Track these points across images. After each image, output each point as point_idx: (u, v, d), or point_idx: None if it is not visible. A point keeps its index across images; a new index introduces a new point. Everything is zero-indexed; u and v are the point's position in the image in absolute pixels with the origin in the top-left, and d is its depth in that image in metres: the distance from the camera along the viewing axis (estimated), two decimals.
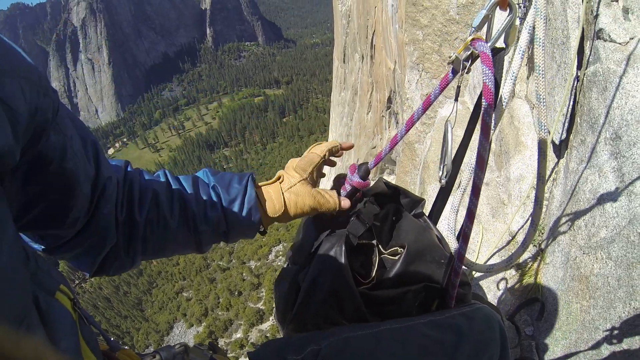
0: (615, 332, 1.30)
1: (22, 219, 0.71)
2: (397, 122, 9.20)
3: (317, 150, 1.16)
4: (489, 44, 0.92)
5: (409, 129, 1.12)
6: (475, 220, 0.99)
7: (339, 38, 20.46)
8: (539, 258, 1.99)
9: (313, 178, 1.15)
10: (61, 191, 0.73)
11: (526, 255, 2.08)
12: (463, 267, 1.14)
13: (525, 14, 1.32)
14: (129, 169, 0.96)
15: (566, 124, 1.83)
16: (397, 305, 1.13)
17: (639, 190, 1.27)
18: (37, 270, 0.63)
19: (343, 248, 1.09)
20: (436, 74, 4.69)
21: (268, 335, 48.61)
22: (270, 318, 52.16)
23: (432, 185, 3.67)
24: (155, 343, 57.91)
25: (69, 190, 0.74)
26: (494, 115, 0.95)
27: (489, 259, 2.41)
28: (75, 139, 0.75)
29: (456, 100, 0.93)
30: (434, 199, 1.41)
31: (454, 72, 0.98)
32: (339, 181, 1.23)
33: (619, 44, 1.44)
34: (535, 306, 1.88)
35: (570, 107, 1.78)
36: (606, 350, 1.35)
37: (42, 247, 0.82)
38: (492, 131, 0.91)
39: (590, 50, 1.57)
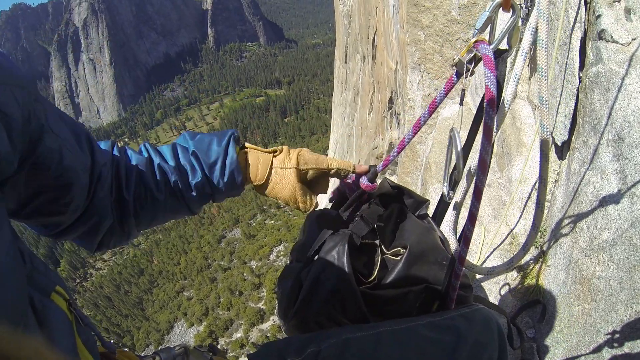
0: (617, 335, 1.30)
1: (23, 209, 0.74)
2: (398, 123, 9.19)
3: (330, 160, 1.17)
4: (491, 46, 0.91)
5: (416, 132, 1.13)
6: (477, 222, 0.99)
7: (341, 38, 20.48)
8: (541, 260, 1.98)
9: (306, 176, 1.16)
10: (61, 186, 0.75)
11: (528, 257, 2.08)
12: (464, 269, 1.14)
13: (528, 15, 1.32)
14: (114, 151, 0.98)
15: (568, 126, 1.82)
16: (398, 305, 1.13)
17: None
18: (33, 272, 0.64)
19: (346, 247, 1.10)
20: (438, 74, 4.68)
21: (268, 335, 48.67)
22: (271, 318, 52.23)
23: (433, 186, 3.66)
24: (156, 342, 57.97)
25: (68, 185, 0.76)
26: (496, 118, 0.94)
27: (486, 259, 2.40)
28: (68, 137, 0.77)
29: (461, 104, 0.93)
30: (436, 200, 1.41)
31: (458, 75, 0.97)
32: (345, 181, 1.24)
33: (621, 44, 1.43)
34: (537, 308, 1.87)
35: (573, 108, 1.77)
36: (607, 353, 1.34)
37: (45, 233, 0.86)
38: (494, 134, 0.90)
39: (593, 51, 1.57)
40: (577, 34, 1.71)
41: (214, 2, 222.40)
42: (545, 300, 1.80)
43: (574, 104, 1.76)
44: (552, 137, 2.00)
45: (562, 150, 1.96)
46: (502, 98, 1.16)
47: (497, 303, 2.20)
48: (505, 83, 1.15)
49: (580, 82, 1.70)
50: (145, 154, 1.03)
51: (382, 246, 1.27)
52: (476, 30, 0.94)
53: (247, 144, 1.16)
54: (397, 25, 7.24)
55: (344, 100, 20.74)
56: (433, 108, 1.07)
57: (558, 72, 1.92)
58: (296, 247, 1.29)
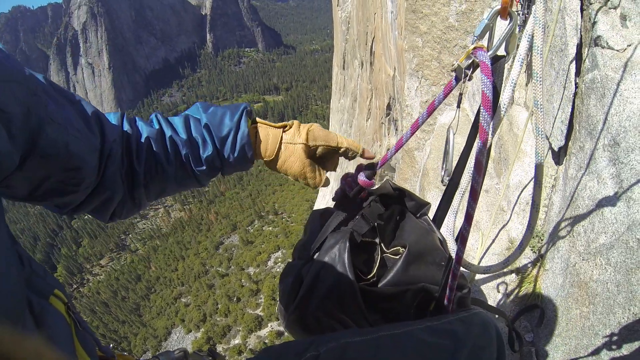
0: (615, 337, 1.30)
1: (36, 192, 0.75)
2: (396, 129, 9.21)
3: (340, 138, 1.16)
4: (489, 53, 0.94)
5: (414, 132, 1.15)
6: (475, 227, 1.00)
7: (339, 44, 20.57)
8: (539, 264, 1.99)
9: (316, 152, 1.15)
10: (71, 169, 0.76)
11: (526, 261, 2.09)
12: (461, 269, 1.16)
13: (525, 22, 1.34)
14: (124, 123, 0.97)
15: (565, 131, 1.84)
16: (395, 303, 1.15)
17: (638, 197, 1.28)
18: (32, 275, 0.65)
19: (347, 244, 1.12)
20: (435, 80, 4.71)
21: (267, 341, 48.31)
22: (269, 324, 51.95)
23: (431, 192, 3.67)
24: (153, 348, 57.52)
25: (77, 168, 0.77)
26: (492, 122, 0.96)
27: (481, 259, 2.40)
28: (74, 121, 0.77)
29: (458, 107, 0.94)
30: (435, 205, 1.42)
31: (457, 80, 1.00)
32: (345, 179, 1.25)
33: (617, 50, 1.45)
34: (535, 312, 1.88)
35: (569, 114, 1.79)
36: (606, 356, 1.35)
37: (59, 212, 0.87)
38: (490, 137, 0.92)
39: (588, 58, 1.59)
40: (574, 40, 1.73)
41: (212, 7, 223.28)
42: (544, 304, 1.81)
43: (570, 110, 1.78)
44: (549, 142, 2.02)
45: (559, 155, 1.98)
46: (499, 102, 1.18)
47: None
48: (502, 88, 1.17)
49: (576, 88, 1.72)
50: (157, 126, 1.01)
51: (382, 245, 1.30)
52: (475, 37, 0.96)
53: (258, 119, 1.15)
54: (395, 32, 7.29)
55: (341, 107, 20.79)
56: (432, 109, 1.09)
57: (555, 78, 1.94)
58: (298, 246, 1.31)
